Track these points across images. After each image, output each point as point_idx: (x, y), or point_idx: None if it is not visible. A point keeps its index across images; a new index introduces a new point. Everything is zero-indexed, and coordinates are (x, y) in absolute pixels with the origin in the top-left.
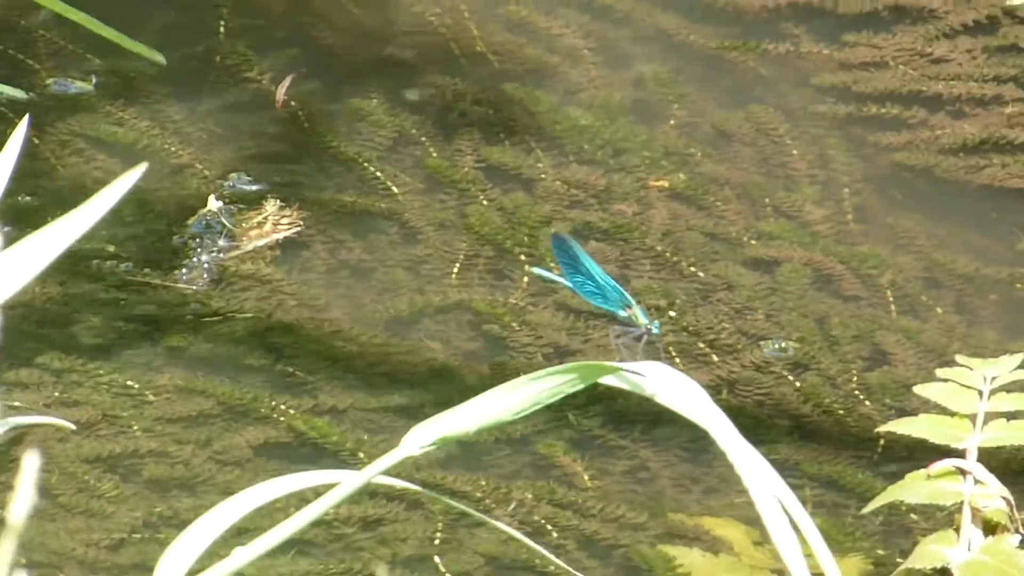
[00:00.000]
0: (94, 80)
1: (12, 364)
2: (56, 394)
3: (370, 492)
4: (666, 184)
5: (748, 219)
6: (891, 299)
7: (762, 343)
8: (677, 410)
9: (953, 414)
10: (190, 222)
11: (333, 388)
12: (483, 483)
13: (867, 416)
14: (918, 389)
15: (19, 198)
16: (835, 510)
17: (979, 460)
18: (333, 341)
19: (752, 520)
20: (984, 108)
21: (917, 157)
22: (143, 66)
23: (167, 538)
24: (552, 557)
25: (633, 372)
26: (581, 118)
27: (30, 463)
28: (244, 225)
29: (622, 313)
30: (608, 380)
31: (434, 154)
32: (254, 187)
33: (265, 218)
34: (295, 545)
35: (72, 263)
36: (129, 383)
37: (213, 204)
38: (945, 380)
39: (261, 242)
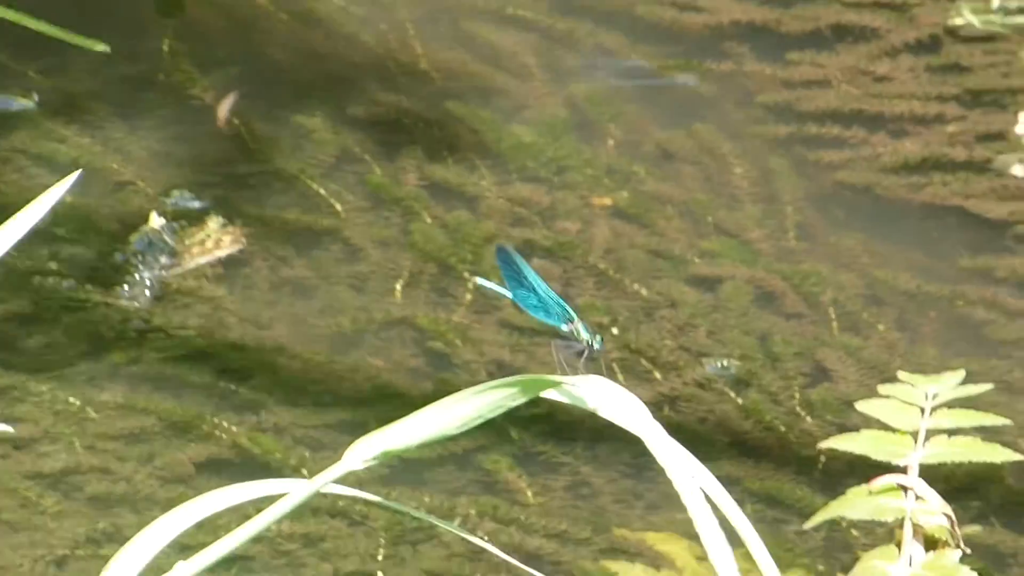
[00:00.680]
0: (36, 97)
1: None
2: None
3: (312, 509)
4: (609, 202)
5: (691, 237)
6: (833, 316)
7: (704, 360)
8: (617, 423)
9: (895, 430)
10: (132, 239)
11: (276, 405)
12: (426, 499)
13: (808, 432)
14: (860, 406)
15: None
16: (776, 526)
17: (921, 476)
18: (276, 358)
19: (695, 535)
20: (925, 127)
21: (858, 176)
22: (85, 83)
23: (110, 554)
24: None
25: (574, 385)
26: (525, 136)
27: None
28: (186, 242)
29: (564, 328)
30: (551, 395)
31: (377, 172)
32: (196, 204)
33: (207, 235)
34: (238, 561)
35: (14, 280)
36: (71, 399)
37: (155, 221)
38: (887, 397)
39: (203, 259)
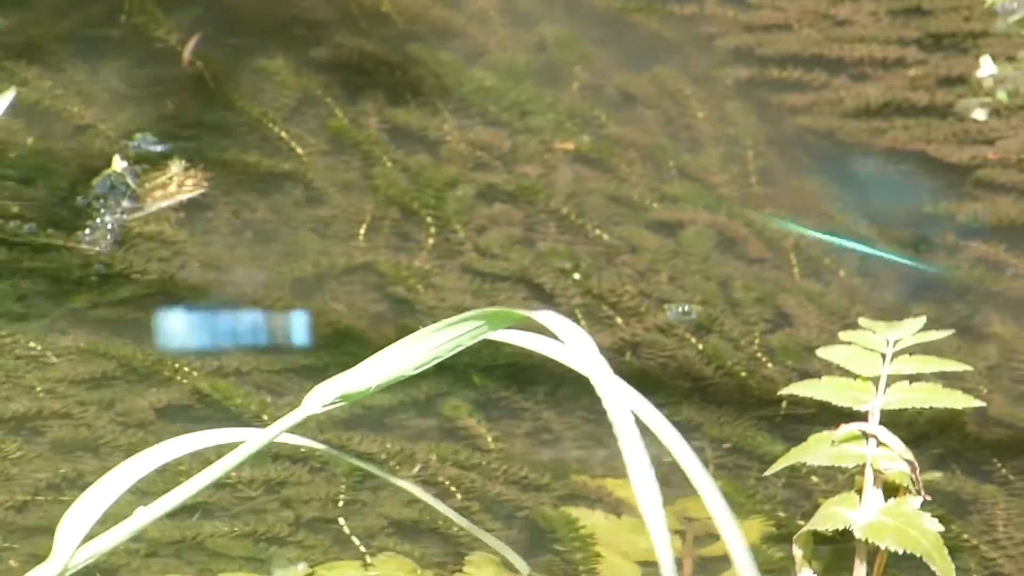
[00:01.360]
0: None
1: None
2: None
3: (273, 455)
4: (571, 146)
5: (652, 181)
6: (794, 262)
7: (665, 306)
8: (564, 362)
9: (856, 377)
10: (94, 183)
11: (237, 350)
12: (388, 445)
13: (769, 378)
14: (821, 352)
15: None
16: (737, 472)
17: (882, 423)
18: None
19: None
20: (887, 70)
21: (820, 120)
22: (45, 25)
23: (71, 500)
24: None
25: (539, 319)
26: (486, 80)
27: None
28: (148, 186)
29: None
30: (503, 335)
31: (339, 115)
32: (159, 148)
33: (170, 179)
34: (199, 509)
35: None
36: (32, 344)
37: (117, 164)
38: (848, 343)
39: (165, 203)
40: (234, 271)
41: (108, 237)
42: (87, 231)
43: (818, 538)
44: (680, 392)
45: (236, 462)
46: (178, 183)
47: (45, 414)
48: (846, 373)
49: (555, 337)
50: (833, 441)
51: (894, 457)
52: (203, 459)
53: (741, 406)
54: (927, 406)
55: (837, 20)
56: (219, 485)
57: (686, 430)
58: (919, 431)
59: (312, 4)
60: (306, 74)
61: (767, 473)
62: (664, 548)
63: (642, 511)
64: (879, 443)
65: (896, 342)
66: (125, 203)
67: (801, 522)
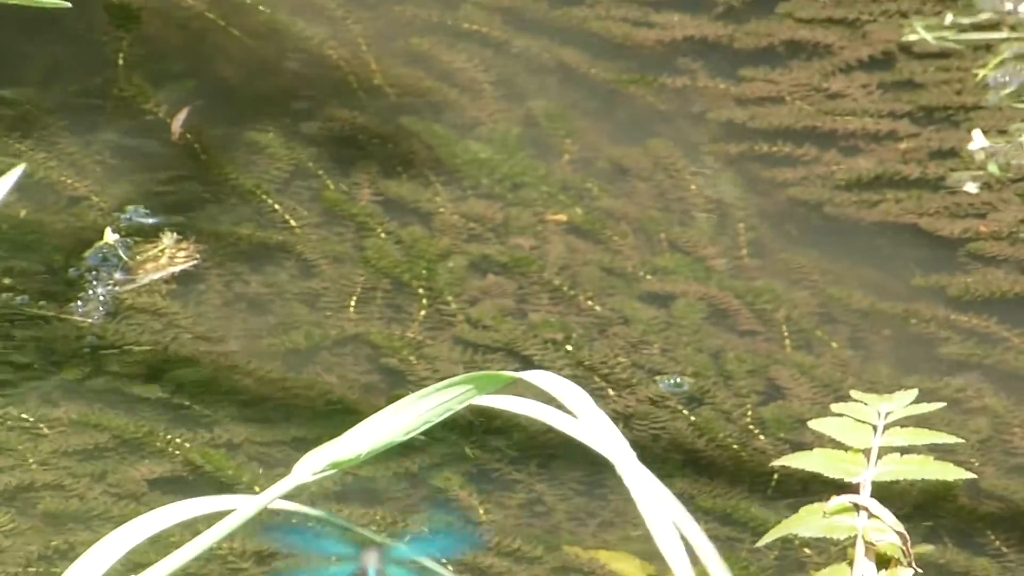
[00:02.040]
0: None
1: None
2: None
3: (264, 526)
4: (563, 218)
5: (644, 254)
6: (786, 334)
7: (657, 377)
8: (577, 437)
9: (847, 448)
10: (86, 255)
11: (229, 421)
12: (379, 516)
13: (761, 450)
14: (813, 424)
15: None
16: (729, 544)
17: (873, 495)
18: (229, 374)
19: (647, 554)
20: (879, 144)
21: (811, 192)
22: (38, 98)
23: (62, 571)
24: None
25: (529, 378)
26: (480, 152)
27: None
28: (140, 258)
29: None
30: (495, 402)
31: (331, 187)
32: (150, 220)
33: (161, 251)
34: None
35: None
36: (24, 416)
37: (109, 237)
38: (839, 415)
39: (157, 275)
40: (226, 343)
41: (100, 309)
42: (79, 303)
43: None
44: (672, 464)
45: (227, 530)
46: (170, 255)
47: (37, 486)
48: (838, 445)
49: (550, 403)
50: (825, 513)
51: (885, 529)
52: (195, 531)
53: (733, 478)
54: (919, 478)
55: (829, 93)
56: (210, 557)
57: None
58: (911, 503)
59: (302, 77)
60: (298, 146)
61: (759, 544)
62: None
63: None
64: (870, 515)
65: (888, 414)
66: (117, 275)
67: None
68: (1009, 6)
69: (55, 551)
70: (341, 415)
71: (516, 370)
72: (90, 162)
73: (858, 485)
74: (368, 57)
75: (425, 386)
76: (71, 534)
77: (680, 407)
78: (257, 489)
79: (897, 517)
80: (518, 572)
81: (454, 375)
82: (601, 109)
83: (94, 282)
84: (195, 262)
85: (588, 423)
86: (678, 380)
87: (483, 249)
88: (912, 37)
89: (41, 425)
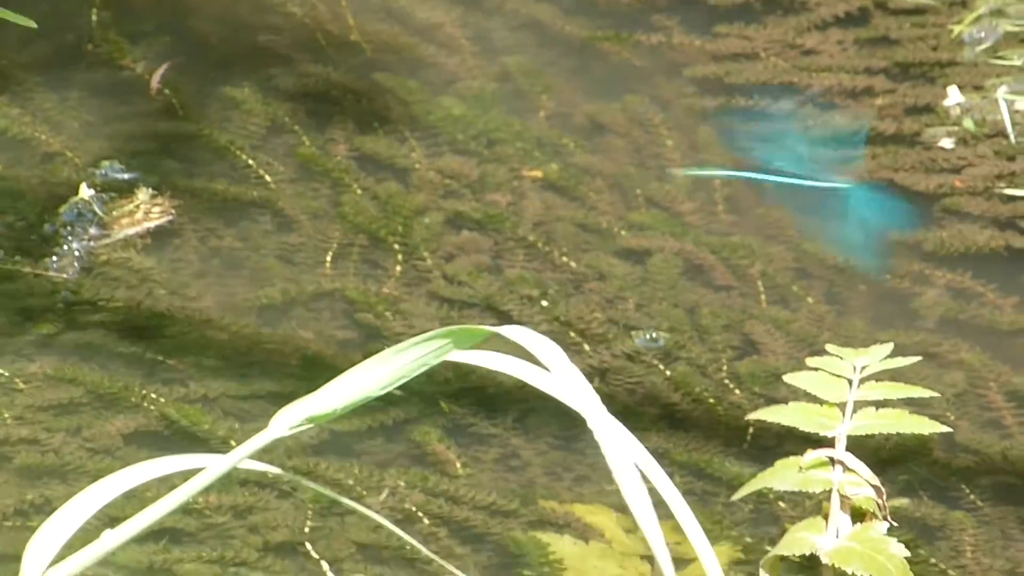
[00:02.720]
0: None
1: None
2: None
3: (241, 480)
4: (539, 174)
5: (620, 209)
6: (761, 289)
7: (633, 333)
8: (550, 392)
9: (822, 402)
10: (61, 210)
11: (204, 376)
12: (355, 471)
13: (737, 405)
14: (788, 378)
15: None
16: (704, 498)
17: (849, 449)
18: (204, 329)
19: (622, 508)
20: (854, 99)
21: None
22: (14, 54)
23: (38, 525)
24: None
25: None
26: (454, 108)
27: None
28: (115, 213)
29: None
30: (474, 359)
31: (307, 143)
32: (126, 175)
33: (137, 206)
34: (166, 534)
35: None
36: (0, 371)
37: (85, 192)
38: (815, 369)
39: (132, 230)
40: (202, 298)
41: (75, 264)
42: (54, 258)
43: (785, 563)
44: (648, 419)
45: (200, 487)
46: (145, 211)
47: (12, 440)
48: (813, 399)
49: (526, 358)
50: (800, 467)
51: (861, 483)
52: (171, 485)
53: (709, 432)
54: (894, 432)
55: (804, 49)
56: (187, 511)
57: (654, 456)
58: (886, 457)
59: (278, 33)
60: (274, 102)
61: (733, 498)
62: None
63: (648, 541)
64: (846, 469)
65: (863, 368)
66: (92, 231)
67: (768, 547)
68: None
69: (30, 505)
70: (317, 370)
71: (492, 325)
72: (66, 118)
73: (833, 439)
74: (344, 13)
75: (401, 341)
76: (46, 488)
77: (656, 362)
78: (233, 444)
79: (872, 470)
80: (494, 526)
81: (430, 331)
82: (577, 65)
83: (69, 237)
84: (170, 218)
85: (561, 378)
86: (654, 335)
87: (459, 205)
88: None
89: (16, 380)
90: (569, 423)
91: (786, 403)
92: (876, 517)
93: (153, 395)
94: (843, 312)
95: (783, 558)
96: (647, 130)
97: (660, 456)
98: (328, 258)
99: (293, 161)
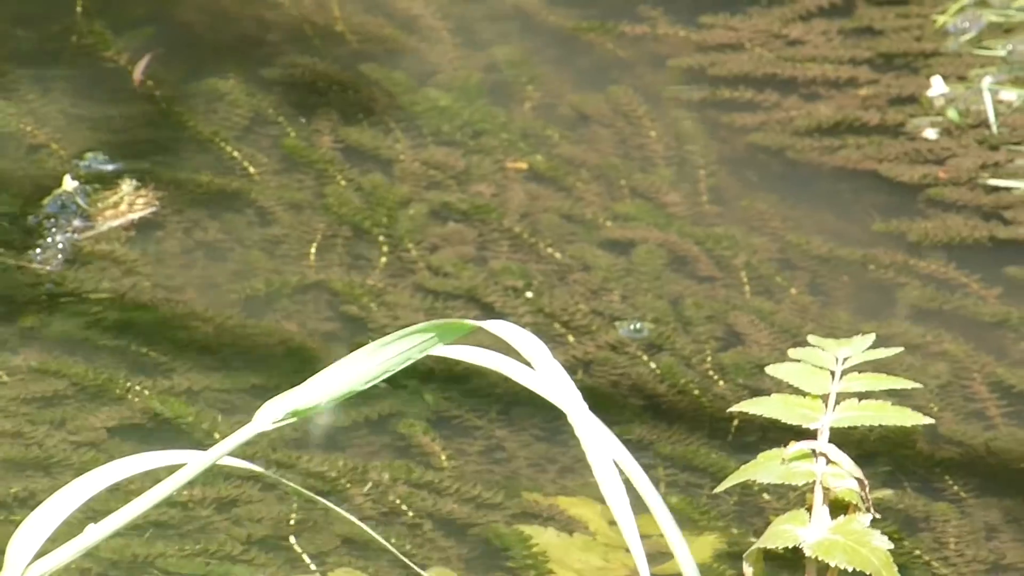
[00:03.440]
0: None
1: None
2: None
3: (225, 473)
4: (524, 166)
5: (605, 200)
6: (745, 280)
7: (617, 324)
8: (530, 387)
9: (805, 394)
10: (45, 202)
11: (188, 369)
12: (340, 463)
13: (721, 396)
14: (770, 369)
15: None
16: (689, 489)
17: (832, 441)
18: (188, 322)
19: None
20: (838, 90)
21: (772, 139)
22: None
23: (22, 519)
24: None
25: (490, 328)
26: (439, 99)
27: None
28: (99, 205)
29: None
30: (458, 353)
31: (291, 134)
32: (110, 167)
33: (121, 198)
34: (150, 527)
35: None
36: None
37: (68, 184)
38: (798, 360)
39: (116, 222)
40: (185, 290)
41: (59, 256)
42: (38, 250)
43: (769, 555)
44: (632, 410)
45: (183, 481)
46: (129, 202)
47: None
48: (796, 391)
49: (512, 354)
50: (783, 459)
51: (844, 474)
52: (155, 478)
53: (693, 424)
54: (877, 424)
55: (789, 40)
56: (171, 503)
57: (638, 448)
58: (869, 449)
59: (263, 24)
60: (258, 93)
61: (717, 490)
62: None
63: (621, 528)
64: (829, 461)
65: (846, 360)
66: (76, 222)
67: (753, 539)
68: None
69: (15, 498)
70: (301, 362)
71: (477, 317)
72: (50, 110)
73: (816, 431)
74: (330, 4)
75: (385, 333)
76: (31, 481)
77: (640, 353)
78: (217, 436)
79: (856, 462)
80: (478, 518)
81: (414, 322)
82: (562, 56)
83: (53, 229)
84: (154, 209)
85: (543, 373)
86: (638, 326)
87: (444, 196)
88: None
89: (0, 372)
90: (553, 415)
91: (769, 394)
92: (859, 509)
93: (137, 387)
94: (827, 303)
95: (766, 550)
96: (631, 121)
97: (645, 448)
98: (312, 249)
99: (277, 152)
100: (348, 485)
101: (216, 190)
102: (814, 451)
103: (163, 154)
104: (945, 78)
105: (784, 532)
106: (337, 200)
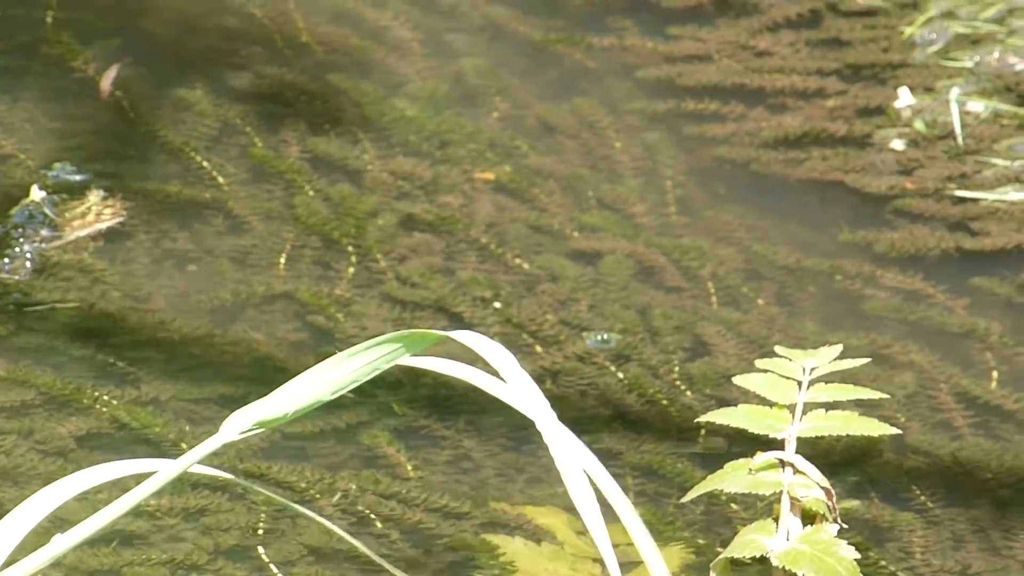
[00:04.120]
0: None
1: None
2: None
3: (193, 483)
4: (491, 176)
5: (572, 211)
6: (712, 290)
7: (585, 334)
8: (499, 396)
9: (772, 404)
10: (12, 212)
11: (156, 378)
12: (307, 474)
13: (688, 406)
14: (738, 379)
15: None
16: (656, 499)
17: (799, 451)
18: (156, 331)
19: (575, 509)
20: (806, 101)
21: (738, 150)
22: None
23: None
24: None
25: (458, 338)
26: (407, 110)
27: None
28: (67, 215)
29: None
30: (428, 364)
31: (259, 144)
32: (78, 177)
33: (88, 208)
34: (117, 536)
35: None
36: None
37: (36, 194)
38: (765, 371)
39: (84, 232)
40: (153, 300)
41: (27, 266)
42: (6, 260)
43: (736, 565)
44: (600, 420)
45: (151, 491)
46: (97, 212)
47: None
48: (763, 401)
49: (479, 364)
50: (750, 469)
51: (811, 484)
52: (123, 487)
53: (661, 434)
54: (844, 434)
55: (756, 51)
56: (138, 513)
57: (607, 458)
58: (836, 459)
59: (230, 34)
60: (226, 103)
61: (685, 499)
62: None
63: (592, 534)
64: (796, 471)
65: (812, 370)
66: (44, 232)
67: (720, 549)
68: None
69: None
70: (269, 372)
71: (445, 327)
72: (17, 119)
73: (783, 441)
74: (295, 15)
75: (353, 343)
76: None
77: (607, 363)
78: (184, 447)
79: (823, 472)
80: (446, 528)
81: (382, 332)
82: (530, 67)
83: (20, 239)
84: (122, 219)
85: (512, 383)
86: (605, 337)
87: (411, 207)
88: None
89: None
90: (521, 425)
91: (737, 404)
92: (826, 519)
93: (105, 397)
94: (794, 313)
95: (734, 560)
96: (597, 132)
97: (612, 457)
98: (281, 260)
99: (246, 163)
100: (317, 495)
101: (185, 200)
102: (781, 461)
103: (131, 164)
104: (912, 89)
105: (751, 542)
106: (305, 210)
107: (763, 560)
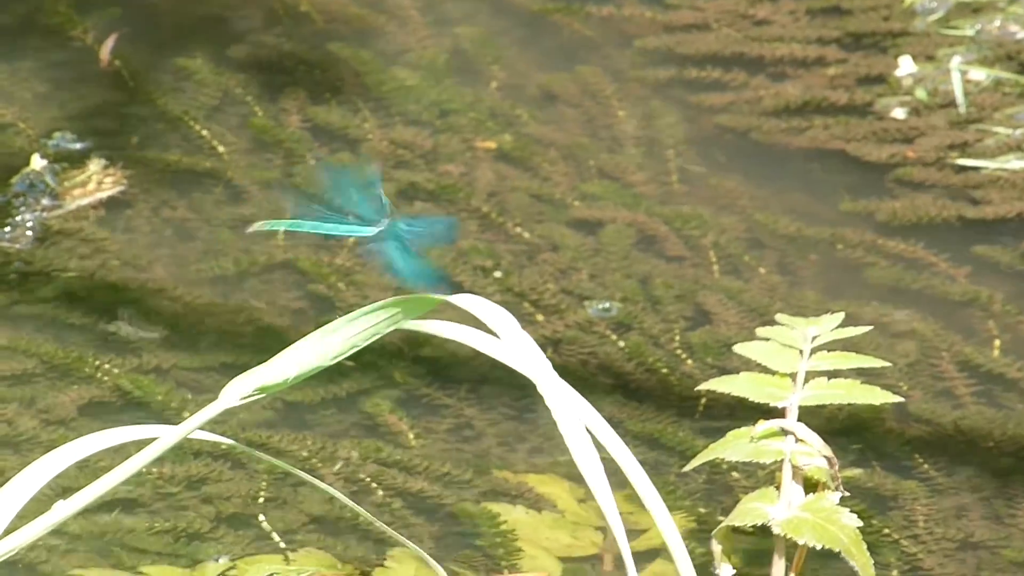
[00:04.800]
0: None
1: None
2: None
3: (195, 451)
4: (492, 145)
5: (573, 180)
6: (714, 259)
7: (586, 303)
8: (501, 359)
9: (774, 372)
10: (13, 181)
11: (157, 347)
12: (309, 442)
13: (689, 375)
14: (739, 348)
15: None
16: (657, 468)
17: (801, 419)
18: (157, 300)
19: (576, 478)
20: (806, 70)
21: (739, 119)
22: None
23: None
24: (371, 516)
25: (457, 302)
26: (407, 79)
27: None
28: (68, 184)
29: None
30: (432, 328)
31: (260, 113)
32: (78, 146)
33: (89, 177)
34: (119, 504)
35: None
36: None
37: (37, 163)
38: (766, 339)
39: (85, 201)
40: (154, 269)
41: (28, 235)
42: (7, 229)
43: (738, 533)
44: (601, 389)
45: (150, 458)
46: (98, 181)
47: None
48: (765, 369)
49: (481, 329)
50: (752, 437)
51: (813, 453)
52: (125, 455)
53: (662, 402)
54: (846, 402)
55: (756, 20)
56: (140, 481)
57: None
58: (839, 427)
59: (231, 3)
60: (226, 73)
61: (686, 469)
62: (625, 548)
63: (596, 498)
64: (798, 439)
65: (814, 338)
66: (45, 201)
67: (722, 517)
68: None
69: None
70: (270, 341)
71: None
72: (18, 89)
73: (785, 409)
74: None
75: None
76: (0, 459)
77: (609, 332)
78: (186, 414)
79: (825, 441)
80: (448, 496)
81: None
82: (529, 36)
83: (21, 208)
84: (123, 188)
85: (512, 345)
86: (607, 305)
87: (412, 176)
88: None
89: None
90: (523, 393)
91: (738, 373)
92: (828, 487)
93: (107, 366)
94: (795, 282)
95: (735, 528)
96: (598, 101)
97: (614, 426)
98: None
99: (246, 132)
100: (319, 464)
101: (185, 169)
102: (783, 429)
103: (132, 133)
104: (913, 58)
105: (753, 510)
106: (306, 179)
107: (765, 528)
